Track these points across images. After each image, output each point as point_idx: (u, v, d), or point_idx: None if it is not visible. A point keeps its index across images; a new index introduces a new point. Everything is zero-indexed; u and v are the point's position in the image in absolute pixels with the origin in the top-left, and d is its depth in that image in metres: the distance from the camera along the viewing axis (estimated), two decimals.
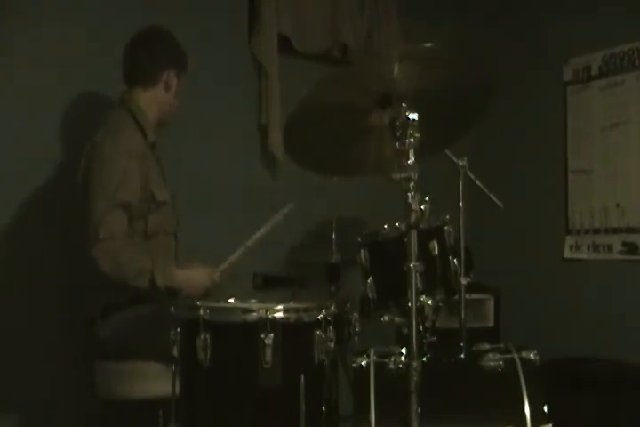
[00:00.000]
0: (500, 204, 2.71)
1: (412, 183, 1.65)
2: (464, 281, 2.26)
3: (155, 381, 2.06)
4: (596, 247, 3.48)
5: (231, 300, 1.89)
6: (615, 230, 3.40)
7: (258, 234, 2.29)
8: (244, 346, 1.79)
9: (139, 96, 2.37)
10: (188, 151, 2.83)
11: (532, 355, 1.98)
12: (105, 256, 2.10)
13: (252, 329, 1.75)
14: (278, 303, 1.79)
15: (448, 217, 2.15)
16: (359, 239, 2.15)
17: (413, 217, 1.64)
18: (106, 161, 2.20)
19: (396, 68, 1.79)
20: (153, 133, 2.37)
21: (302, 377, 1.77)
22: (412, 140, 1.68)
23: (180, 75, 2.43)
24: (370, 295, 2.10)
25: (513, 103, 3.62)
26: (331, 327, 1.83)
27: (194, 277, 2.23)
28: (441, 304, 2.09)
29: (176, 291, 2.18)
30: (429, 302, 2.00)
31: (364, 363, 1.98)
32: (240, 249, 2.27)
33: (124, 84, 2.39)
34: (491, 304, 3.36)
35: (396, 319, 2.09)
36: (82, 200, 2.24)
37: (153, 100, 2.38)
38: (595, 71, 3.52)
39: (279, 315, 1.77)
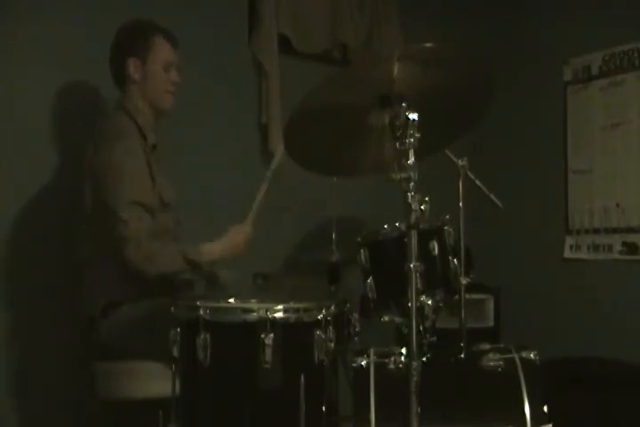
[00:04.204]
0: (499, 204, 2.71)
1: (412, 183, 1.65)
2: (464, 281, 2.26)
3: (155, 381, 2.05)
4: (595, 247, 3.48)
5: (231, 300, 1.89)
6: (615, 230, 3.40)
7: (268, 174, 2.39)
8: (244, 346, 1.78)
9: (129, 96, 2.36)
10: (188, 151, 2.83)
11: (532, 355, 1.98)
12: (136, 254, 2.12)
13: (252, 329, 1.74)
14: (278, 303, 1.79)
15: (448, 217, 2.15)
16: (359, 239, 2.15)
17: (413, 217, 1.64)
18: (114, 166, 2.19)
19: (395, 68, 1.80)
20: (153, 135, 2.37)
21: (302, 377, 1.76)
22: (411, 140, 1.68)
23: (144, 58, 2.33)
24: (370, 295, 2.10)
25: (513, 103, 3.62)
26: (331, 327, 1.82)
27: (229, 239, 2.29)
28: (441, 304, 2.09)
29: (217, 261, 2.28)
30: (429, 302, 2.01)
31: (364, 363, 1.98)
32: (259, 193, 2.36)
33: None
34: (491, 304, 3.36)
35: (396, 319, 2.10)
36: (90, 206, 2.25)
37: (134, 96, 2.36)
38: (595, 71, 3.53)
39: (279, 315, 1.77)
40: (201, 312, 1.77)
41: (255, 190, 3.00)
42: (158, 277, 2.16)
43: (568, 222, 3.58)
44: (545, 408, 1.85)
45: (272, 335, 1.73)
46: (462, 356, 2.07)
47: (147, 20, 2.41)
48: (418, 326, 1.70)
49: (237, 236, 2.32)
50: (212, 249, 2.26)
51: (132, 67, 2.33)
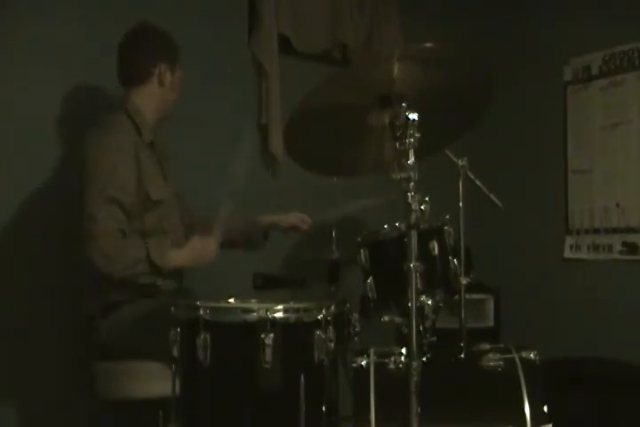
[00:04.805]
0: (499, 204, 2.71)
1: (412, 183, 1.65)
2: (464, 281, 2.26)
3: (155, 381, 2.06)
4: (595, 247, 3.48)
5: (231, 300, 1.89)
6: (615, 230, 3.40)
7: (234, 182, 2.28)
8: (243, 346, 1.79)
9: (135, 97, 2.36)
10: (188, 151, 2.82)
11: (532, 355, 1.98)
12: (98, 253, 2.10)
13: (252, 329, 1.75)
14: (278, 303, 1.79)
15: (448, 217, 2.15)
16: (359, 239, 2.15)
17: (413, 217, 1.64)
18: (96, 159, 2.21)
19: (395, 68, 1.80)
20: (150, 132, 2.37)
21: (302, 377, 1.77)
22: (411, 140, 1.68)
23: (173, 68, 2.40)
24: (370, 295, 2.10)
25: (513, 103, 3.62)
26: (331, 327, 1.82)
27: (194, 248, 2.26)
28: (441, 304, 2.09)
29: (183, 268, 2.29)
30: (429, 302, 2.01)
31: (364, 363, 1.98)
32: (226, 207, 2.27)
33: (121, 87, 2.40)
34: (491, 304, 3.36)
35: (396, 319, 2.10)
36: (78, 200, 2.25)
37: (150, 97, 2.37)
38: (595, 71, 3.52)
39: (279, 315, 1.77)
40: (201, 312, 1.77)
41: (255, 191, 3.03)
42: (120, 279, 2.14)
43: (568, 222, 3.58)
44: (545, 408, 1.85)
45: (272, 335, 1.73)
46: (462, 356, 2.07)
47: None
48: (418, 326, 1.70)
49: (201, 244, 2.28)
50: (177, 256, 2.23)
51: (164, 71, 2.37)
